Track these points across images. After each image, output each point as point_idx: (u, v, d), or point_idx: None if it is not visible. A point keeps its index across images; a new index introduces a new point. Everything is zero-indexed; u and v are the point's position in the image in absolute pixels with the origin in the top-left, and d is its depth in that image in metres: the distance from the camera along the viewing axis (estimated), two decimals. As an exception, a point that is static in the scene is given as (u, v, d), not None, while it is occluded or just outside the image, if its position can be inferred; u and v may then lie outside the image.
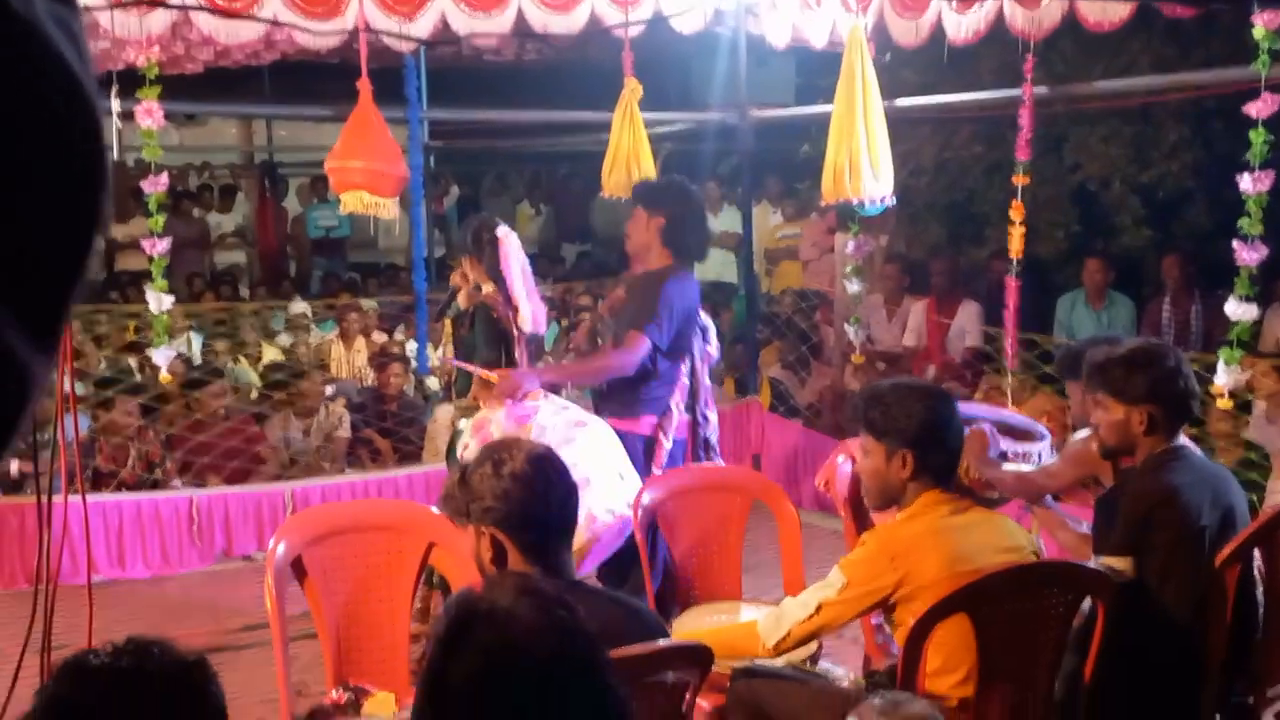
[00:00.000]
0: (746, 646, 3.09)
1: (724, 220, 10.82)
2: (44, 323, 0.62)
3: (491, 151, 14.48)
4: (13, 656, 3.10)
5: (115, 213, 9.61)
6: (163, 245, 5.96)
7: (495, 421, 4.45)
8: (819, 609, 2.93)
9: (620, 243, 5.80)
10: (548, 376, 4.77)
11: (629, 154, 6.15)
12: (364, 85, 5.91)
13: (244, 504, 6.58)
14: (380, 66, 7.11)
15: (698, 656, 2.58)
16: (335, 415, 7.46)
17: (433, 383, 7.90)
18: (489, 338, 4.99)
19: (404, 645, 3.53)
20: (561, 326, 9.24)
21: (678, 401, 4.82)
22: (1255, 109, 4.93)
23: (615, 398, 4.80)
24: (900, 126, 6.78)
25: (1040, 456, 3.92)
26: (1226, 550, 3.22)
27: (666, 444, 4.76)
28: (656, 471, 4.66)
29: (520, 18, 6.18)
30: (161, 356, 6.09)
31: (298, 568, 3.44)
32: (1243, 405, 5.75)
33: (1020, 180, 5.93)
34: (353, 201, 5.89)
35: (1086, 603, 3.08)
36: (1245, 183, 4.97)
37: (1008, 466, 3.77)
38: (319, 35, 6.11)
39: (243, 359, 8.68)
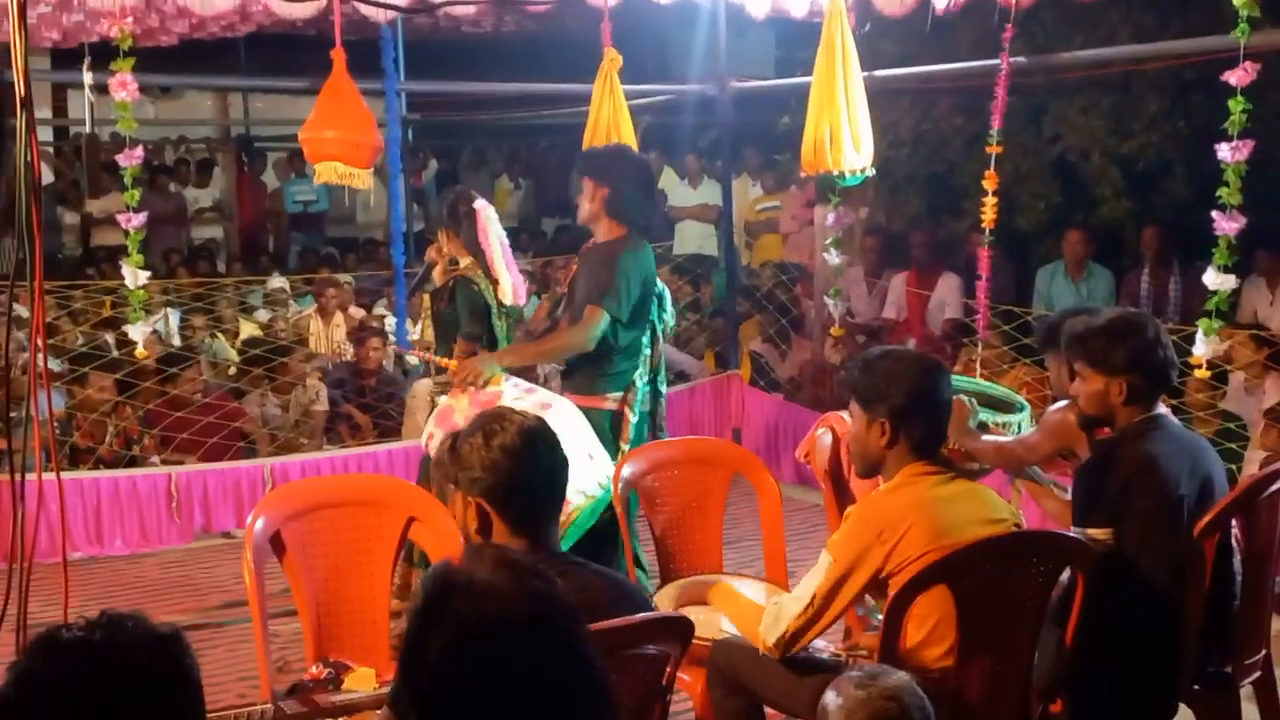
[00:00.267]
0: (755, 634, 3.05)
1: (703, 193, 10.78)
2: None
3: (470, 125, 14.40)
4: (-13, 634, 3.08)
5: (90, 187, 9.49)
6: (139, 220, 5.90)
7: (459, 410, 4.41)
8: (813, 598, 2.91)
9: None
10: (506, 360, 4.68)
11: (609, 125, 6.10)
12: (338, 54, 5.83)
13: (223, 480, 6.55)
14: (357, 38, 7.05)
15: (678, 629, 2.58)
16: (312, 390, 7.43)
17: (412, 358, 7.87)
18: (471, 312, 4.96)
19: (384, 620, 3.51)
20: (541, 300, 9.21)
21: (640, 374, 4.80)
22: (1234, 77, 4.92)
23: (578, 373, 4.77)
24: (880, 98, 6.75)
25: (1020, 428, 3.93)
26: (1205, 519, 3.23)
27: (633, 417, 4.74)
28: (624, 446, 4.64)
29: (497, -14, 6.15)
30: (138, 332, 6.04)
31: (277, 544, 3.42)
32: (1220, 376, 5.77)
33: (994, 150, 5.91)
34: (327, 172, 5.82)
35: (1066, 573, 3.08)
36: (1224, 151, 4.97)
37: (987, 438, 3.77)
38: (295, 3, 6.05)
39: (220, 335, 8.63)
